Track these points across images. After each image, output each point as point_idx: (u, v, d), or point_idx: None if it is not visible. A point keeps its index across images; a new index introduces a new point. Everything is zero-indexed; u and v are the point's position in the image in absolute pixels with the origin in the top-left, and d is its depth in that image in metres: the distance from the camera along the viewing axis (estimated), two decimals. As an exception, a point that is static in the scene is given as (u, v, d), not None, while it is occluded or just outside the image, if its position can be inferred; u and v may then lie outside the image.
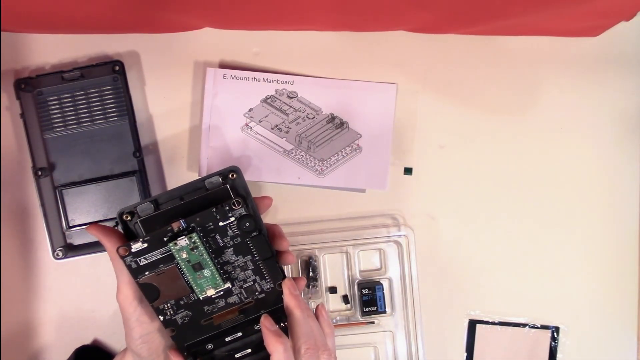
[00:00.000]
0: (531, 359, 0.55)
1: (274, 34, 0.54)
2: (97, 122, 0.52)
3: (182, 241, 0.40)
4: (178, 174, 0.54)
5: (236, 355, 0.43)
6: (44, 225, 0.51)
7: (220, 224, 0.41)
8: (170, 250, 0.40)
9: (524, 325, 0.55)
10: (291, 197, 0.54)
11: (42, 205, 0.51)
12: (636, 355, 0.55)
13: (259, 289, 0.43)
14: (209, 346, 0.43)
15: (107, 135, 0.52)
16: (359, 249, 0.54)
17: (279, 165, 0.53)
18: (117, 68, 0.52)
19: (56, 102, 0.51)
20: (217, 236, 0.41)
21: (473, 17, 0.48)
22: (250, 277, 0.42)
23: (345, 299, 0.54)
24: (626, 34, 0.54)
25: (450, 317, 0.55)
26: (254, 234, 0.41)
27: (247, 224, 0.41)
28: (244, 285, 0.42)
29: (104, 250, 0.51)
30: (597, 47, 0.54)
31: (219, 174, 0.41)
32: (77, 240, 0.52)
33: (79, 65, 0.52)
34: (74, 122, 0.51)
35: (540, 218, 0.55)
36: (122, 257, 0.40)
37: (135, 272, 0.41)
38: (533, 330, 0.55)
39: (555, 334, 0.55)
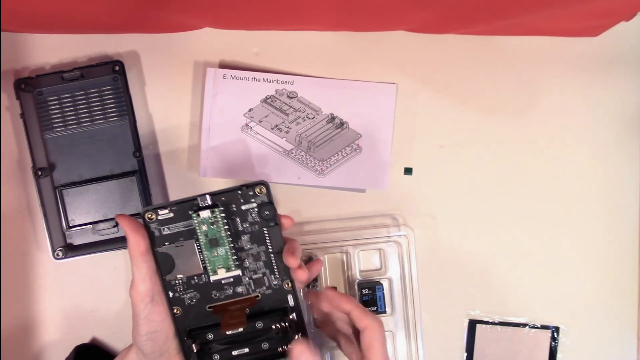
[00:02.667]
0: (531, 359, 0.55)
1: (274, 34, 0.54)
2: (97, 122, 0.52)
3: (205, 213, 0.42)
4: (178, 174, 0.54)
5: (233, 353, 0.43)
6: (44, 225, 0.52)
7: (243, 207, 0.42)
8: (191, 225, 0.42)
9: (524, 325, 0.55)
10: (291, 197, 0.54)
11: (42, 205, 0.51)
12: (636, 355, 0.55)
13: (267, 284, 0.43)
14: (209, 336, 0.43)
15: (107, 135, 0.52)
16: (359, 249, 0.54)
17: (279, 165, 0.53)
18: (117, 68, 0.52)
19: (56, 102, 0.51)
20: (238, 219, 0.43)
21: (473, 17, 0.48)
22: (260, 269, 0.43)
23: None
24: (626, 34, 0.54)
25: (450, 317, 0.55)
26: (272, 223, 0.43)
27: (267, 212, 0.42)
28: (254, 277, 0.43)
29: (104, 250, 0.52)
30: (597, 47, 0.54)
31: (246, 185, 0.43)
32: (77, 240, 0.52)
33: (79, 65, 0.52)
34: (74, 122, 0.51)
35: (540, 218, 0.55)
36: (148, 223, 0.42)
37: (157, 240, 0.42)
38: (533, 330, 0.55)
39: (555, 334, 0.55)
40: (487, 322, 0.55)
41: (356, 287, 0.54)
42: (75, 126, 0.51)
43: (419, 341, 0.53)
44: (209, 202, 0.42)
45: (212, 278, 0.43)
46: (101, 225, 0.52)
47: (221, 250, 0.43)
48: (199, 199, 0.42)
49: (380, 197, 0.54)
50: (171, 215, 0.42)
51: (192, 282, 0.43)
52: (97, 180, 0.51)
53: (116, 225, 0.52)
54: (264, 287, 0.43)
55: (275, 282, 0.43)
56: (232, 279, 0.43)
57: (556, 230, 0.55)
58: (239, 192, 0.42)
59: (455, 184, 0.55)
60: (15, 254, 0.53)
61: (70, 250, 0.52)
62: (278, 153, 0.53)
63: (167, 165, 0.54)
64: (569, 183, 0.55)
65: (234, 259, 0.43)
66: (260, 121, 0.53)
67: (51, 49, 0.53)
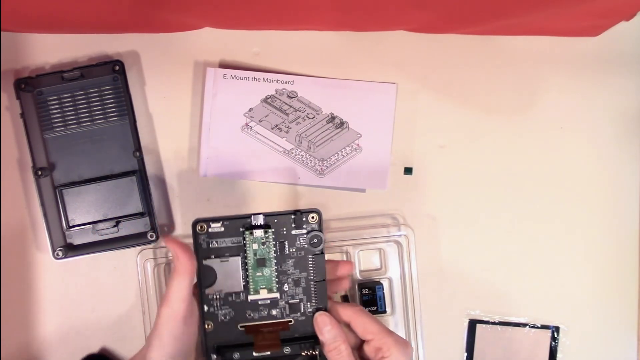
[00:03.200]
0: (531, 359, 0.55)
1: (274, 34, 0.54)
2: (97, 122, 0.52)
3: (258, 232, 0.43)
4: (178, 174, 0.54)
5: None
6: (44, 225, 0.51)
7: (293, 232, 0.43)
8: (240, 242, 0.43)
9: (524, 325, 0.55)
10: (291, 197, 0.54)
11: (42, 205, 0.51)
12: (636, 355, 0.55)
13: (302, 310, 0.44)
14: (236, 355, 0.43)
15: (107, 135, 0.52)
16: (359, 249, 0.54)
17: (279, 165, 0.53)
18: (117, 68, 0.52)
19: (56, 102, 0.51)
20: (286, 243, 0.43)
21: (473, 17, 0.48)
22: (298, 295, 0.44)
23: (345, 299, 0.54)
24: (626, 34, 0.54)
25: (450, 317, 0.55)
26: (318, 252, 0.44)
27: (316, 240, 0.43)
28: (290, 302, 0.44)
29: (104, 250, 0.52)
30: (597, 47, 0.54)
31: (300, 210, 0.44)
32: (77, 240, 0.52)
33: (79, 65, 0.52)
34: (74, 122, 0.51)
35: (541, 218, 0.55)
36: (198, 234, 0.43)
37: (203, 252, 0.43)
38: (533, 330, 0.55)
39: (555, 334, 0.55)
40: (487, 322, 0.55)
41: (356, 287, 0.54)
42: (75, 126, 0.51)
43: (419, 341, 0.53)
44: (262, 222, 0.43)
45: (250, 297, 0.43)
46: (101, 225, 0.52)
47: (266, 271, 0.43)
48: (252, 217, 0.43)
49: (380, 197, 0.54)
50: (222, 229, 0.43)
51: (230, 298, 0.43)
52: (97, 180, 0.51)
53: (116, 225, 0.52)
54: (299, 313, 0.44)
55: (310, 310, 0.44)
56: (269, 301, 0.43)
57: (556, 230, 0.55)
58: (293, 216, 0.43)
59: (455, 184, 0.55)
60: (15, 254, 0.53)
61: (70, 250, 0.52)
62: (278, 153, 0.53)
63: (167, 165, 0.54)
64: (568, 183, 0.55)
65: (276, 281, 0.43)
66: (260, 121, 0.53)
67: (51, 49, 0.53)
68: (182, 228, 0.54)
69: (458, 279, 0.55)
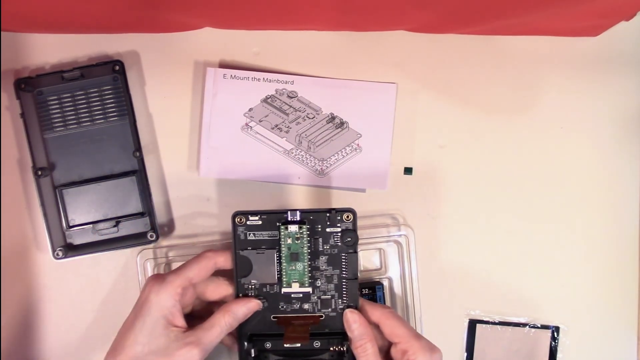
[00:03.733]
0: (531, 359, 0.55)
1: (274, 34, 0.54)
2: (97, 122, 0.52)
3: (293, 227, 0.44)
4: (178, 174, 0.54)
5: None
6: (44, 225, 0.51)
7: (327, 229, 0.45)
8: (276, 236, 0.45)
9: (524, 325, 0.55)
10: (291, 197, 0.54)
11: (42, 205, 0.51)
12: (636, 355, 0.55)
13: (332, 306, 0.45)
14: (268, 344, 0.45)
15: (107, 135, 0.52)
16: (359, 249, 0.54)
17: (279, 165, 0.53)
18: (117, 68, 0.52)
19: (56, 102, 0.51)
20: (320, 240, 0.45)
21: (473, 17, 0.48)
22: (330, 291, 0.45)
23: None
24: (626, 34, 0.54)
25: (450, 317, 0.55)
26: (351, 250, 0.45)
27: (349, 239, 0.45)
28: (322, 297, 0.45)
29: (104, 250, 0.52)
30: (597, 47, 0.54)
31: (335, 209, 0.45)
32: (77, 240, 0.52)
33: (79, 65, 0.52)
34: (74, 122, 0.51)
35: (541, 218, 0.55)
36: (237, 225, 0.45)
37: (241, 243, 0.45)
38: (533, 330, 0.55)
39: (555, 334, 0.55)
40: (487, 322, 0.55)
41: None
42: (75, 126, 0.51)
43: (419, 341, 0.53)
44: (298, 217, 0.45)
45: (284, 290, 0.45)
46: (101, 225, 0.52)
47: (299, 265, 0.45)
48: (289, 213, 0.45)
49: (380, 197, 0.54)
50: (259, 222, 0.45)
51: (264, 289, 0.45)
52: (97, 180, 0.51)
53: (116, 225, 0.52)
54: (330, 309, 0.45)
55: (341, 307, 0.45)
56: (301, 295, 0.45)
57: (556, 230, 0.55)
58: (328, 214, 0.45)
59: (456, 184, 0.55)
60: (15, 254, 0.53)
61: (70, 250, 0.52)
62: (278, 153, 0.53)
63: (167, 165, 0.54)
64: (568, 183, 0.55)
65: (308, 276, 0.45)
66: (260, 121, 0.53)
67: (51, 49, 0.53)
68: (182, 228, 0.54)
69: (458, 279, 0.55)
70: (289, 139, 0.54)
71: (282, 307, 0.45)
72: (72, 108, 0.51)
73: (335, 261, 0.45)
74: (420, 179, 0.55)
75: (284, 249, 0.45)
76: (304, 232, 0.44)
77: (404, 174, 0.55)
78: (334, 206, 0.54)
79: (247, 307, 0.43)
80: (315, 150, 0.54)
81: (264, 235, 0.45)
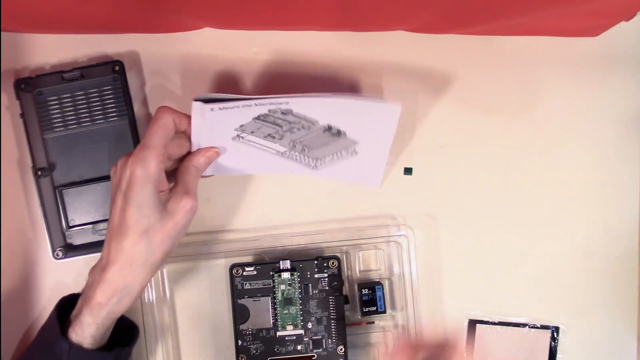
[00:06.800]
0: (531, 359, 0.55)
1: (274, 34, 0.54)
2: (97, 122, 0.52)
3: (286, 274, 0.50)
4: (178, 174, 0.54)
5: None
6: (44, 225, 0.52)
7: (316, 275, 0.51)
8: (270, 285, 0.50)
9: (524, 325, 0.55)
10: (291, 198, 0.54)
11: (42, 205, 0.51)
12: (636, 355, 0.55)
13: (324, 346, 0.51)
14: None
15: (107, 135, 0.52)
16: (359, 249, 0.54)
17: (272, 162, 0.50)
18: (117, 68, 0.52)
19: (56, 102, 0.51)
20: (310, 286, 0.51)
21: (473, 17, 0.48)
22: (320, 332, 0.51)
23: (345, 299, 0.54)
24: (626, 34, 0.54)
25: (450, 317, 0.55)
26: (337, 294, 0.51)
27: (336, 283, 0.51)
28: (314, 337, 0.51)
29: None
30: (597, 47, 0.54)
31: (322, 257, 0.51)
32: (77, 240, 0.52)
33: (79, 65, 0.52)
34: (74, 122, 0.51)
35: (540, 218, 0.55)
36: (234, 277, 0.50)
37: (239, 292, 0.50)
38: (533, 330, 0.55)
39: (555, 334, 0.55)
40: (487, 322, 0.55)
41: (356, 287, 0.54)
42: (75, 126, 0.51)
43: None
44: (289, 266, 0.50)
45: (279, 333, 0.50)
46: (101, 225, 0.52)
47: (292, 309, 0.50)
48: (280, 262, 0.50)
49: (380, 197, 0.54)
50: (255, 272, 0.50)
51: (260, 334, 0.50)
52: (97, 180, 0.51)
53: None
54: (321, 349, 0.51)
55: (331, 346, 0.51)
56: (294, 337, 0.50)
57: (556, 230, 0.55)
58: (315, 262, 0.51)
59: (455, 184, 0.55)
60: (15, 254, 0.53)
61: (70, 250, 0.52)
62: (272, 154, 0.50)
63: (167, 165, 0.54)
64: (568, 183, 0.55)
65: (301, 319, 0.50)
66: (252, 132, 0.49)
67: (51, 49, 0.53)
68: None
69: (458, 279, 0.55)
70: (283, 144, 0.49)
71: (278, 349, 0.50)
72: (72, 108, 0.51)
73: (323, 304, 0.51)
74: (420, 179, 0.55)
75: (278, 295, 0.50)
76: (296, 278, 0.50)
77: (404, 174, 0.55)
78: (333, 206, 0.55)
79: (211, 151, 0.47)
80: (310, 152, 0.50)
81: (259, 284, 0.50)
